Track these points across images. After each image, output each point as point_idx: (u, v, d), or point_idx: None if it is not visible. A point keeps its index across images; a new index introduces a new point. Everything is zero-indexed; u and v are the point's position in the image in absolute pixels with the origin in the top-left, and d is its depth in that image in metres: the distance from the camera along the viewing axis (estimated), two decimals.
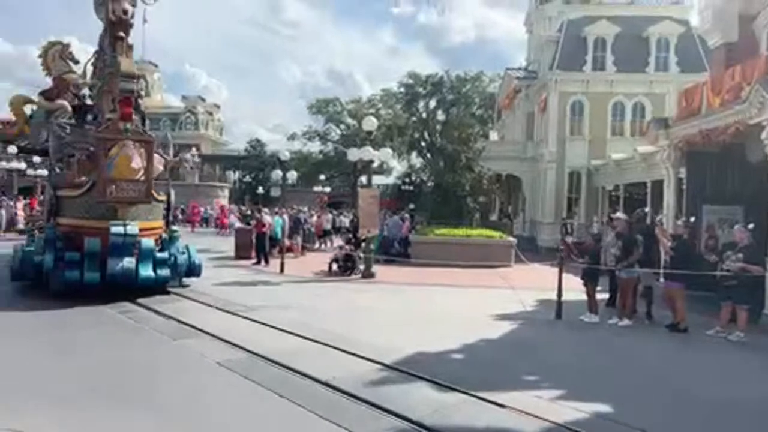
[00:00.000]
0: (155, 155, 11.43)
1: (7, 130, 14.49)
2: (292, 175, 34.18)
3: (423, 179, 36.34)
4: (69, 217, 11.17)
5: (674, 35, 26.29)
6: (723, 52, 14.55)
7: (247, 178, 61.99)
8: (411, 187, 38.05)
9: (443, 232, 19.17)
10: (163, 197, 11.87)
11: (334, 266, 15.67)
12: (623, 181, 21.93)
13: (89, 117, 12.97)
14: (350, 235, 17.67)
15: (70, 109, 13.11)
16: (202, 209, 40.40)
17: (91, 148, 11.20)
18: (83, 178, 11.32)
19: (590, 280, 10.13)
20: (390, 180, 51.44)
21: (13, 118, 13.89)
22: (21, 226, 23.11)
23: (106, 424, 4.87)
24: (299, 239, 20.35)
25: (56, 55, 13.32)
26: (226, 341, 7.66)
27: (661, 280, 10.38)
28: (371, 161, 17.00)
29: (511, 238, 20.03)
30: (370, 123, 16.63)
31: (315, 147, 54.71)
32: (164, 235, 11.65)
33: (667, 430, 5.18)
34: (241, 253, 18.52)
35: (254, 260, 17.69)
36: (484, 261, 17.14)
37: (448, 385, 5.93)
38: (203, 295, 11.12)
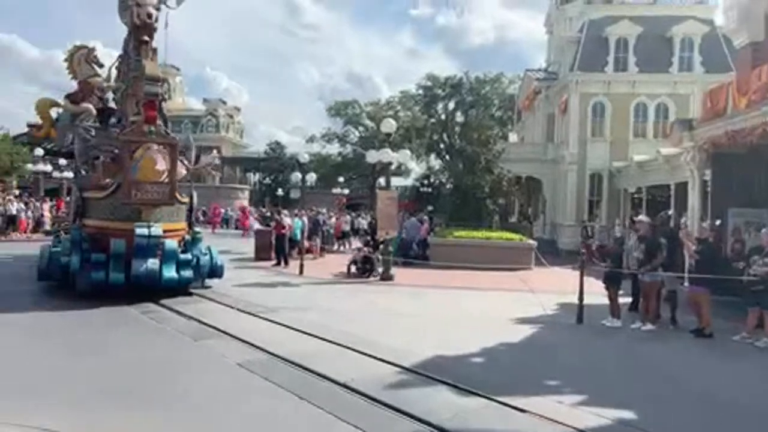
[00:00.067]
0: (179, 162, 11.54)
1: (34, 132, 14.81)
2: (311, 177, 34.50)
3: (442, 181, 36.35)
4: (95, 219, 11.35)
5: (698, 35, 25.86)
6: (749, 52, 14.26)
7: (267, 180, 62.50)
8: (429, 189, 38.10)
9: (462, 235, 19.02)
10: (185, 199, 11.99)
11: (353, 268, 15.69)
12: (646, 184, 21.60)
13: (113, 120, 13.15)
14: (369, 237, 17.72)
15: (94, 112, 13.36)
16: (223, 211, 40.85)
17: (116, 151, 11.35)
18: (108, 180, 11.47)
19: (612, 283, 9.99)
20: (408, 182, 51.54)
21: (40, 122, 14.23)
22: (47, 227, 23.57)
23: (127, 423, 4.93)
24: (318, 241, 20.43)
25: (81, 59, 13.57)
26: (246, 342, 7.72)
27: (686, 284, 10.20)
28: (390, 163, 17.03)
29: (531, 241, 19.87)
30: (389, 125, 16.68)
31: (334, 149, 55.28)
32: (187, 237, 11.75)
33: None
34: (261, 254, 18.66)
35: (274, 261, 17.82)
36: (504, 264, 16.94)
37: (468, 389, 5.90)
38: (224, 297, 11.24)
